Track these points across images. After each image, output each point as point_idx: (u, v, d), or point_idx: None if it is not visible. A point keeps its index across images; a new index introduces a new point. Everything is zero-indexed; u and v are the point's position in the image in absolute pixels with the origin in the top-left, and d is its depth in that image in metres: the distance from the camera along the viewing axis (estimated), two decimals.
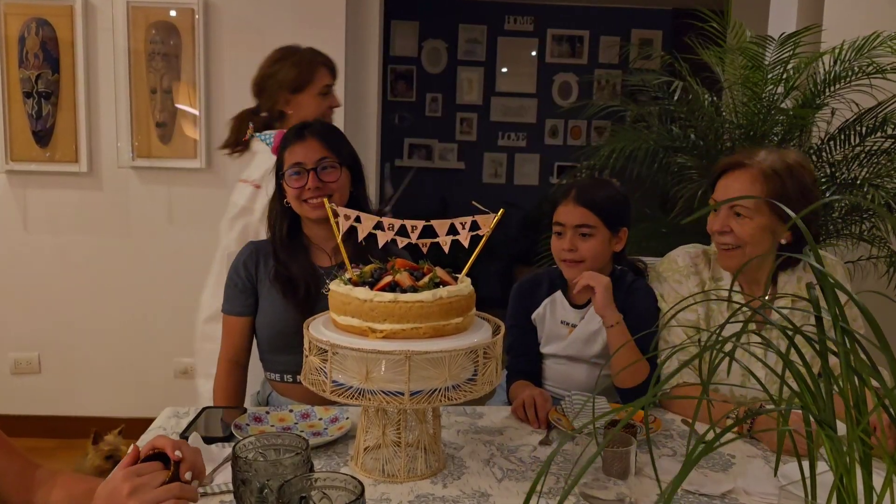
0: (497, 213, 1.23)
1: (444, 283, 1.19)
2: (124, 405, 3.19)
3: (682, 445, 1.41)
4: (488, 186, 6.16)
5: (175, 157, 3.13)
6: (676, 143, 2.73)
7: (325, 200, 1.29)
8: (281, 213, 1.75)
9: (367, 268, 1.25)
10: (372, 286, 1.17)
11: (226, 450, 1.30)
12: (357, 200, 1.75)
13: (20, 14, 3.02)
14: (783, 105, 2.68)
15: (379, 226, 1.24)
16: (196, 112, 3.09)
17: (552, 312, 1.75)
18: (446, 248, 1.24)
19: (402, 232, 1.24)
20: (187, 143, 3.12)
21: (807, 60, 2.62)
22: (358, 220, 1.24)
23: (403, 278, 1.18)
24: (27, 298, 3.22)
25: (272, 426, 1.43)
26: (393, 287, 1.16)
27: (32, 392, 3.28)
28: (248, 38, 3.07)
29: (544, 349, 1.74)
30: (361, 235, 1.24)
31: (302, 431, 1.41)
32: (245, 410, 1.48)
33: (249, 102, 3.10)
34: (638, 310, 1.63)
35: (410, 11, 5.70)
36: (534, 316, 1.76)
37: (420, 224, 1.23)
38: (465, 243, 1.23)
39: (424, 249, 1.25)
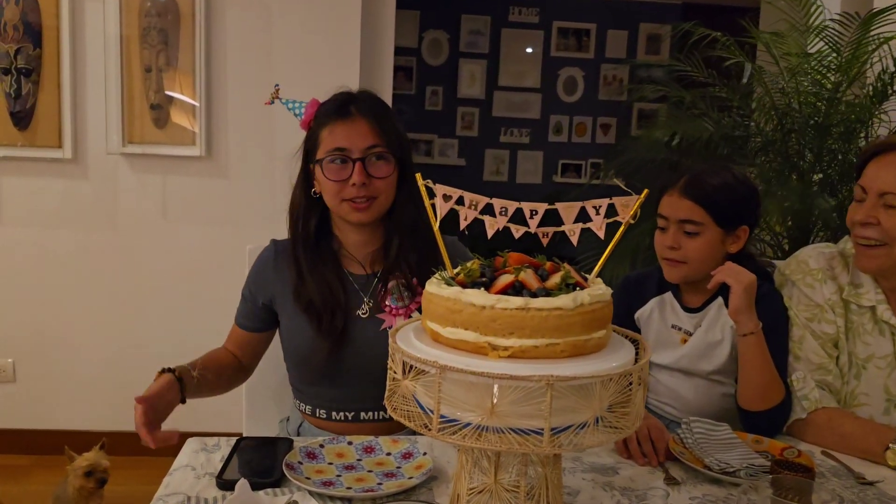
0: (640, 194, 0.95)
1: (578, 285, 0.91)
2: (107, 418, 2.84)
3: (841, 487, 1.14)
4: (490, 184, 5.89)
5: (171, 143, 2.80)
6: (735, 132, 2.48)
7: (419, 176, 0.99)
8: (307, 209, 1.43)
9: (472, 263, 0.96)
10: (487, 288, 0.89)
11: (280, 499, 1.00)
12: (410, 201, 1.40)
13: None
14: (847, 95, 2.45)
15: (488, 209, 0.95)
16: (195, 103, 2.77)
17: (661, 314, 1.50)
18: (574, 240, 0.96)
19: (518, 218, 0.95)
20: (185, 128, 2.80)
21: (877, 42, 2.38)
22: (461, 201, 0.96)
23: (529, 278, 0.89)
24: (1, 299, 2.87)
25: (330, 464, 1.13)
26: (518, 290, 0.88)
27: (5, 403, 2.93)
28: (255, 23, 2.78)
29: (651, 357, 1.46)
30: (464, 222, 0.96)
31: (370, 471, 1.12)
32: (291, 444, 1.18)
33: (253, 88, 2.83)
34: (766, 320, 1.36)
35: (411, 0, 5.41)
36: (637, 315, 1.51)
37: (542, 208, 0.95)
38: (601, 234, 0.95)
39: (545, 241, 0.97)
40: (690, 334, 1.47)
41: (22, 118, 2.76)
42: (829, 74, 2.40)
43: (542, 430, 0.83)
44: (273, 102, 1.71)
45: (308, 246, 1.42)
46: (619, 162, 3.05)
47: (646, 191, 0.96)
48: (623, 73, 5.84)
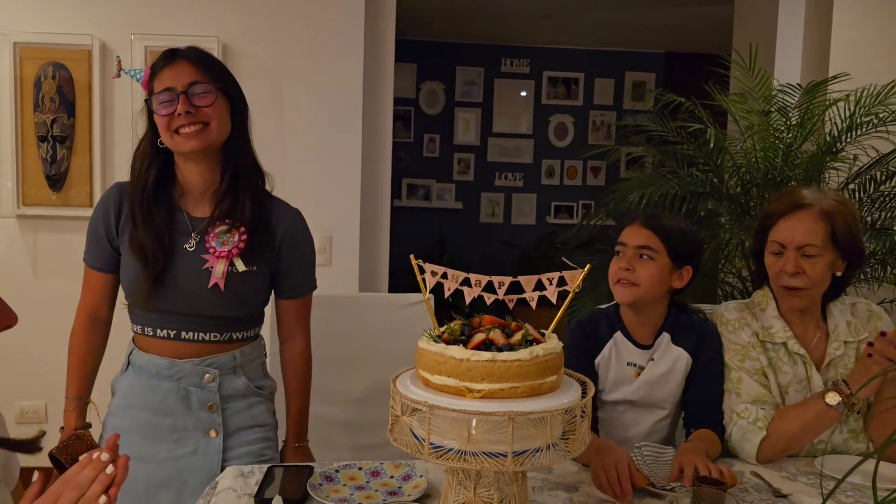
0: (583, 268, 1.23)
1: (536, 340, 1.18)
2: None
3: (758, 500, 1.40)
4: (486, 226, 6.20)
5: None
6: (700, 188, 2.77)
7: (412, 257, 1.27)
8: (150, 156, 1.55)
9: (454, 324, 1.23)
10: (465, 344, 1.16)
11: None
12: (240, 136, 1.58)
13: (36, 58, 3.00)
14: (801, 150, 2.74)
15: (466, 282, 1.23)
16: None
17: (616, 354, 1.70)
18: (533, 304, 1.23)
19: (489, 288, 1.23)
20: None
21: (823, 106, 2.68)
22: (445, 276, 1.23)
23: (497, 336, 1.16)
24: (35, 345, 3.14)
25: (345, 485, 1.40)
26: (488, 345, 1.15)
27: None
28: (265, 82, 3.08)
29: (609, 396, 1.70)
30: (448, 292, 1.23)
31: (377, 490, 1.38)
32: (312, 469, 1.44)
33: (271, 145, 3.13)
34: (711, 352, 1.64)
35: (409, 54, 5.77)
36: (598, 360, 1.70)
37: (507, 280, 1.23)
38: (553, 299, 1.22)
39: (511, 305, 1.24)
40: (643, 368, 1.68)
41: (56, 180, 3.06)
42: (783, 134, 2.69)
43: (507, 453, 1.09)
44: (119, 76, 1.88)
45: (145, 193, 1.54)
46: (607, 209, 3.33)
47: (588, 266, 1.23)
48: (611, 118, 6.18)
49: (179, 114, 1.49)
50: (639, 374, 1.69)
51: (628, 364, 1.70)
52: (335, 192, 3.18)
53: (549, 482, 1.46)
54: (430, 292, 1.27)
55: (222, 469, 1.55)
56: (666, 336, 1.69)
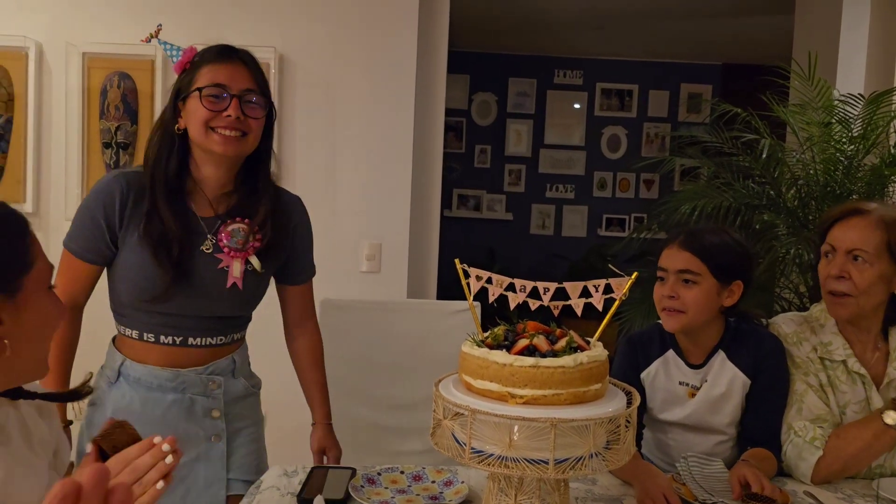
0: (630, 276, 1.21)
1: (581, 348, 1.17)
2: None
3: None
4: (536, 237, 6.17)
5: None
6: (756, 200, 2.70)
7: (457, 262, 1.27)
8: (170, 145, 1.47)
9: (498, 329, 1.23)
10: (508, 349, 1.15)
11: None
12: (266, 144, 1.55)
13: (103, 68, 3.11)
14: (863, 163, 2.66)
15: (511, 287, 1.23)
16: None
17: (666, 373, 1.65)
18: (579, 311, 1.22)
19: (534, 294, 1.22)
20: None
21: (888, 118, 2.60)
22: (489, 281, 1.23)
23: (541, 342, 1.16)
24: (95, 346, 3.24)
25: (386, 488, 1.40)
26: (531, 351, 1.14)
27: None
28: (319, 91, 3.14)
29: (662, 415, 1.64)
30: (492, 297, 1.23)
31: (418, 495, 1.38)
32: (355, 471, 1.45)
33: (324, 153, 3.19)
34: (773, 372, 1.58)
35: (462, 65, 5.80)
36: (643, 375, 1.66)
37: (552, 286, 1.22)
38: (599, 307, 1.21)
39: (556, 312, 1.23)
40: (697, 389, 1.62)
41: None
42: (844, 146, 2.61)
43: (549, 460, 1.08)
44: (150, 41, 1.79)
45: (167, 186, 1.46)
46: (659, 221, 3.28)
47: (636, 273, 1.22)
48: (665, 130, 6.09)
49: (228, 115, 1.44)
50: (693, 395, 1.62)
51: (680, 384, 1.64)
52: (385, 200, 3.21)
53: (593, 494, 1.44)
54: (477, 300, 1.27)
55: (228, 471, 1.54)
56: (720, 355, 1.62)
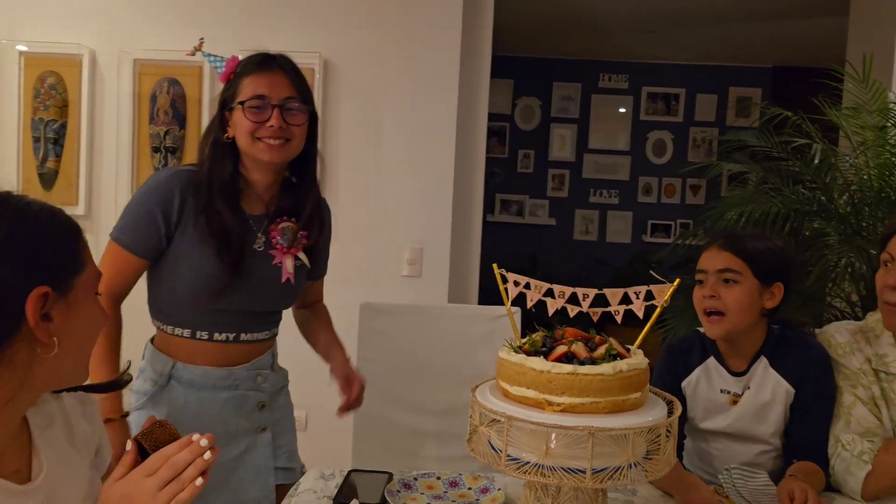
0: (672, 282, 1.19)
1: (620, 355, 1.15)
2: None
3: None
4: (579, 243, 6.11)
5: None
6: (806, 206, 2.63)
7: (495, 266, 1.26)
8: (222, 152, 1.53)
9: (536, 335, 1.21)
10: (546, 356, 1.14)
11: None
12: (311, 146, 1.60)
13: (153, 74, 3.18)
14: None
15: (549, 293, 1.21)
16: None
17: (708, 381, 1.60)
18: (619, 318, 1.20)
19: (573, 300, 1.21)
20: None
21: None
22: (528, 286, 1.22)
23: (579, 349, 1.14)
24: (141, 341, 3.31)
25: (422, 493, 1.40)
26: (569, 358, 1.13)
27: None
28: (363, 96, 3.16)
29: (703, 424, 1.60)
30: (530, 303, 1.22)
31: (454, 501, 1.37)
32: (391, 475, 1.45)
33: (367, 157, 3.21)
34: (820, 383, 1.52)
35: (506, 69, 5.78)
36: (684, 384, 1.61)
37: (592, 292, 1.20)
38: (640, 314, 1.19)
39: (595, 318, 1.21)
40: (739, 396, 1.57)
41: None
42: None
43: (586, 469, 1.06)
44: (194, 54, 1.84)
45: (221, 185, 1.52)
46: (705, 227, 3.21)
47: (678, 280, 1.19)
48: (712, 134, 5.98)
49: (270, 125, 1.49)
50: (735, 402, 1.58)
51: (721, 391, 1.60)
52: (427, 205, 3.21)
53: None
54: (518, 306, 1.26)
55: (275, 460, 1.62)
56: (763, 361, 1.58)
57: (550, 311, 1.21)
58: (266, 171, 1.56)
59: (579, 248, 6.11)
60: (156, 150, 3.20)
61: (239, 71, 1.55)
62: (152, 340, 1.63)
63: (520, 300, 1.25)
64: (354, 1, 3.15)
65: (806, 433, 1.54)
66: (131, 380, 1.09)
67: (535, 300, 1.22)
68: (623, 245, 6.09)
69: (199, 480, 0.89)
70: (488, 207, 6.06)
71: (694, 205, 5.97)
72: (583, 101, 6.03)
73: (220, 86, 3.23)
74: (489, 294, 3.15)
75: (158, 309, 1.59)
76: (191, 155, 3.19)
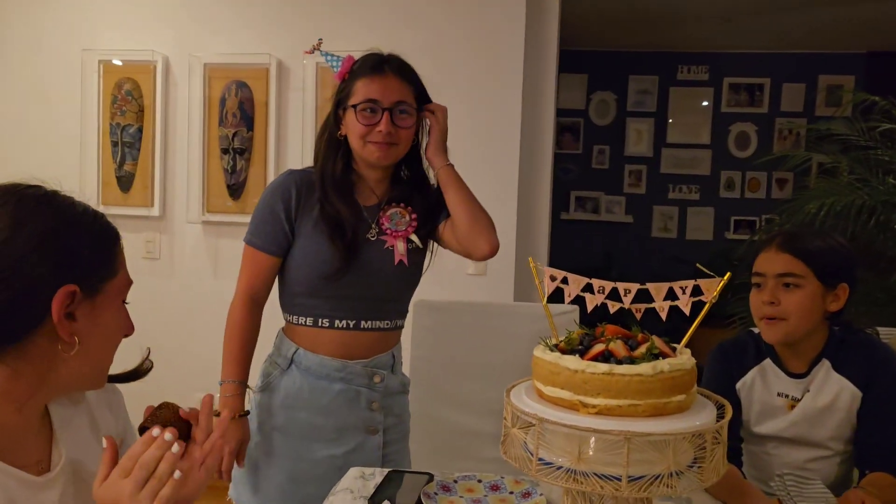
0: (723, 277, 1.09)
1: (663, 355, 1.07)
2: None
3: None
4: (657, 241, 5.90)
5: None
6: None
7: (531, 260, 1.20)
8: (335, 148, 1.62)
9: (574, 333, 1.15)
10: (582, 354, 1.07)
11: None
12: (418, 153, 1.67)
13: (222, 77, 3.26)
14: None
15: (588, 288, 1.14)
16: None
17: (764, 383, 1.51)
18: (664, 315, 1.11)
19: (614, 295, 1.13)
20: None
21: None
22: (565, 280, 1.15)
23: (618, 347, 1.06)
24: (215, 341, 3.39)
25: (461, 497, 1.35)
26: (606, 357, 1.05)
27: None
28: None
29: (758, 428, 1.51)
30: (568, 298, 1.15)
31: None
32: (432, 477, 1.41)
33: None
34: (888, 384, 1.39)
35: (579, 64, 5.66)
36: (739, 385, 1.52)
37: (634, 287, 1.12)
38: (686, 310, 1.10)
39: (638, 315, 1.13)
40: (798, 400, 1.48)
41: (235, 189, 3.30)
42: None
43: (622, 476, 0.99)
44: (313, 52, 1.88)
45: (333, 180, 1.60)
46: (790, 222, 3.03)
47: (728, 274, 1.10)
48: (800, 125, 5.66)
49: (380, 130, 1.55)
50: (792, 407, 1.47)
51: (778, 395, 1.49)
52: (492, 202, 3.11)
53: None
54: (574, 304, 1.20)
55: (382, 465, 1.62)
56: (825, 364, 1.47)
57: (589, 307, 1.14)
58: (374, 167, 1.64)
59: (658, 246, 5.90)
60: (224, 151, 3.28)
61: (354, 71, 1.61)
62: (282, 330, 1.71)
63: (577, 299, 1.18)
64: None
65: (878, 439, 1.41)
66: (151, 368, 1.09)
67: (572, 296, 1.15)
68: (704, 242, 5.84)
69: (177, 473, 0.87)
70: (562, 205, 5.94)
71: (780, 199, 5.67)
72: (660, 93, 5.83)
73: (288, 87, 3.30)
74: (559, 294, 3.08)
75: (285, 301, 1.68)
76: (259, 155, 3.26)
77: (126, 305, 1.01)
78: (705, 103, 5.79)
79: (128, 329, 1.00)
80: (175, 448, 0.89)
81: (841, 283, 1.44)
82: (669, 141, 5.84)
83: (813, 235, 1.49)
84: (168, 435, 0.89)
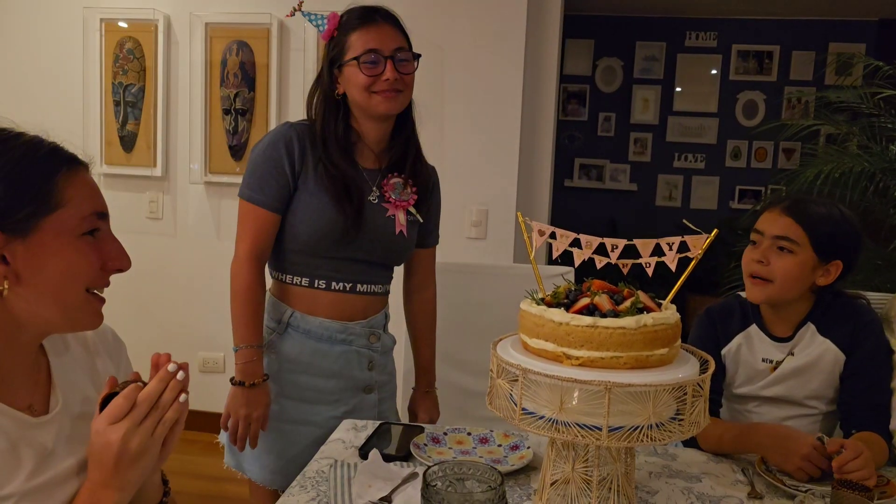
0: (710, 233, 1.10)
1: (648, 309, 1.08)
2: None
3: None
4: (661, 209, 5.88)
5: None
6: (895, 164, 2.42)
7: (519, 214, 1.21)
8: (335, 108, 1.57)
9: (561, 287, 1.16)
10: (567, 308, 1.08)
11: (404, 469, 1.25)
12: (408, 108, 1.64)
13: (223, 37, 3.24)
14: None
15: (576, 243, 1.15)
16: None
17: (749, 348, 1.52)
18: (650, 271, 1.12)
19: (601, 250, 1.14)
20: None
21: None
22: (553, 235, 1.16)
23: (602, 301, 1.07)
24: (217, 302, 3.42)
25: (450, 448, 1.37)
26: (591, 310, 1.07)
27: (217, 389, 3.47)
28: (426, 54, 3.10)
29: (739, 389, 1.52)
30: (556, 252, 1.16)
31: (481, 457, 1.34)
32: (423, 429, 1.44)
33: (430, 117, 3.17)
34: (869, 344, 1.41)
35: (585, 29, 5.59)
36: (724, 351, 1.53)
37: (621, 243, 1.13)
38: (672, 266, 1.11)
39: (625, 270, 1.14)
40: (780, 363, 1.49)
41: (237, 150, 3.30)
42: None
43: (602, 426, 1.01)
44: (294, 14, 1.85)
45: (336, 140, 1.56)
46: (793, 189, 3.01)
47: (715, 230, 1.10)
48: (810, 94, 5.60)
49: (386, 79, 1.51)
50: (774, 370, 1.49)
51: (763, 360, 1.50)
52: (492, 167, 3.16)
53: (670, 469, 1.34)
54: (568, 265, 1.20)
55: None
56: (810, 327, 1.48)
57: (576, 262, 1.15)
58: (378, 122, 1.59)
59: (662, 215, 5.89)
60: (226, 111, 3.27)
61: (343, 26, 1.56)
62: (271, 290, 1.67)
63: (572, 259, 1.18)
64: None
65: (861, 401, 1.43)
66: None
67: (560, 251, 1.16)
68: (709, 211, 5.82)
69: (184, 396, 0.88)
70: (567, 172, 5.92)
71: (788, 169, 5.62)
72: (667, 60, 5.77)
73: (289, 48, 3.27)
74: (566, 256, 3.08)
75: (277, 259, 1.63)
76: (261, 116, 3.25)
77: (118, 238, 0.96)
78: (714, 71, 5.73)
79: (114, 262, 0.94)
80: (181, 375, 0.90)
81: (835, 260, 1.43)
82: (676, 109, 5.79)
83: (820, 205, 1.45)
84: (172, 366, 0.89)
